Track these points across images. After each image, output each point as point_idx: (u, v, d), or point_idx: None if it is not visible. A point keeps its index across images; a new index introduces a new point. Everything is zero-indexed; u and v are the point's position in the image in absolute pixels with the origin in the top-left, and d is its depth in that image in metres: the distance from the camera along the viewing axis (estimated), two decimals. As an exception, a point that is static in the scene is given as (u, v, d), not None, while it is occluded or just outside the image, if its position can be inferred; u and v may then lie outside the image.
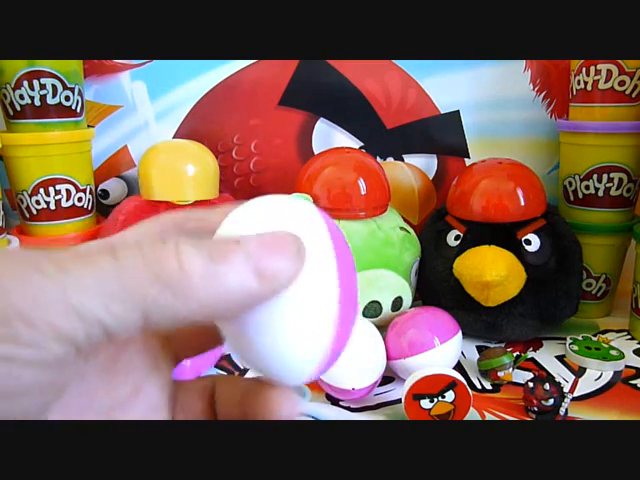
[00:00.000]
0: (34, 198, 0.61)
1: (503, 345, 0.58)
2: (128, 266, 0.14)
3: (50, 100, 0.59)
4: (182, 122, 0.72)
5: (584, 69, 0.59)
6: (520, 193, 0.57)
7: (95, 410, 0.15)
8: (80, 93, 0.62)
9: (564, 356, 0.55)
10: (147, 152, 0.62)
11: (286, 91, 0.70)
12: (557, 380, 0.45)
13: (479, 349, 0.57)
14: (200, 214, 0.19)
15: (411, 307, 0.58)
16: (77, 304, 0.13)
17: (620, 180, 0.59)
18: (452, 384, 0.42)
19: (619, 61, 0.56)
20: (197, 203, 0.61)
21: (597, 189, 0.60)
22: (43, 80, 0.58)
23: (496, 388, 0.50)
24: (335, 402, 0.48)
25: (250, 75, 0.70)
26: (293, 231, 0.15)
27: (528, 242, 0.56)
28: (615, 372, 0.52)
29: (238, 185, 0.73)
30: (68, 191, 0.62)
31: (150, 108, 0.71)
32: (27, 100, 0.58)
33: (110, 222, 0.62)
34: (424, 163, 0.72)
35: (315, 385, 0.49)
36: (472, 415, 0.43)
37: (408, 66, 0.69)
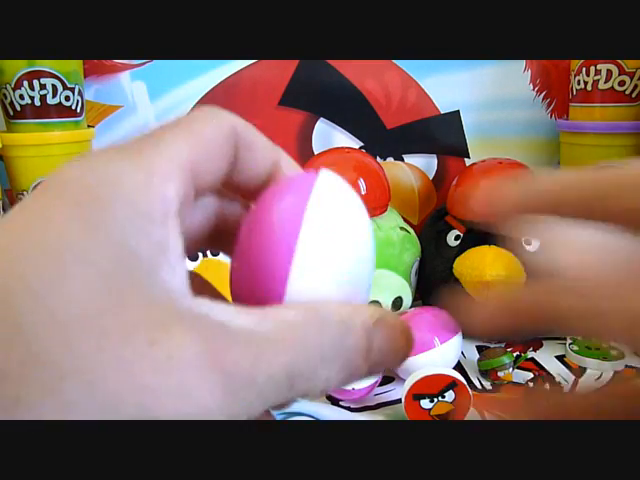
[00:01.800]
0: (34, 198, 0.61)
1: (503, 345, 0.57)
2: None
3: (50, 100, 0.59)
4: (182, 122, 0.72)
5: (584, 69, 0.59)
6: (520, 193, 0.56)
7: None
8: (80, 93, 0.62)
9: (564, 356, 0.55)
10: (147, 152, 0.62)
11: (286, 91, 0.70)
12: (557, 380, 0.45)
13: (479, 349, 0.57)
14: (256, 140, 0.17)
15: (411, 307, 0.58)
16: None
17: (620, 180, 0.59)
18: (452, 384, 0.42)
19: (619, 61, 0.56)
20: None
21: (597, 189, 0.60)
22: (43, 80, 0.58)
23: (496, 388, 0.50)
24: (335, 402, 0.48)
25: (250, 75, 0.70)
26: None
27: (528, 242, 0.56)
28: (615, 372, 0.52)
29: (238, 185, 0.73)
30: (68, 191, 0.62)
31: (150, 108, 0.71)
32: (27, 100, 0.58)
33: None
34: (424, 163, 0.72)
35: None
36: (472, 415, 0.43)
37: (408, 66, 0.69)
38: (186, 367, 0.12)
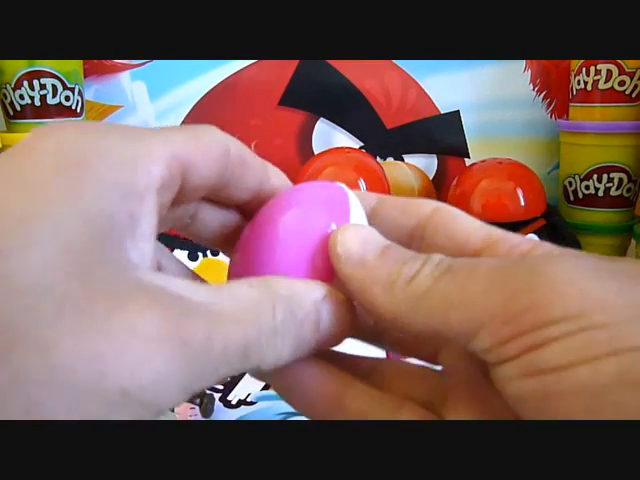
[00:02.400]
0: (34, 198, 0.61)
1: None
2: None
3: (50, 100, 0.59)
4: (182, 122, 0.72)
5: (584, 69, 0.59)
6: (520, 193, 0.57)
7: None
8: (80, 93, 0.62)
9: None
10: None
11: (286, 91, 0.70)
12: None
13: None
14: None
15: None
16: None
17: (620, 180, 0.59)
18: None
19: (619, 61, 0.56)
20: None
21: (597, 189, 0.60)
22: (43, 80, 0.58)
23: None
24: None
25: (250, 75, 0.70)
26: None
27: (528, 242, 0.56)
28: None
29: (238, 185, 0.73)
30: (68, 191, 0.62)
31: (150, 108, 0.71)
32: (27, 100, 0.58)
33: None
34: (424, 163, 0.72)
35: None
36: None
37: (408, 66, 0.69)
38: (143, 336, 0.12)
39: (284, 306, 0.15)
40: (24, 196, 0.13)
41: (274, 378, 0.17)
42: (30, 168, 0.13)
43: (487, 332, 0.14)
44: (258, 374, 0.18)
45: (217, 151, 0.17)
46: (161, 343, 0.12)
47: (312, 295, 0.16)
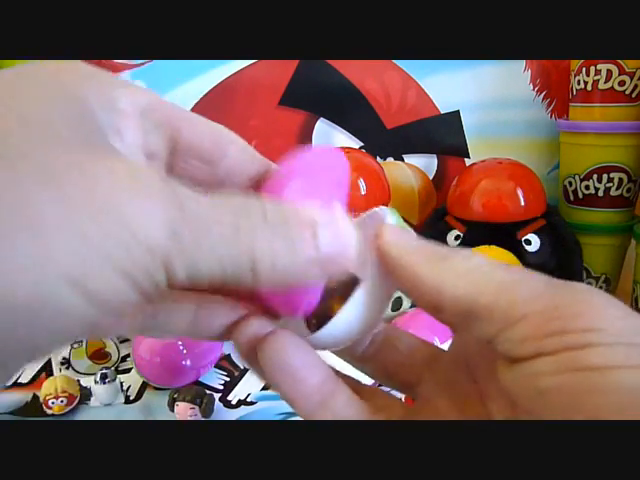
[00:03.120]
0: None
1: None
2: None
3: (50, 100, 0.59)
4: (182, 122, 0.72)
5: (584, 69, 0.59)
6: (520, 193, 0.57)
7: None
8: (80, 93, 0.62)
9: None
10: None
11: (286, 91, 0.70)
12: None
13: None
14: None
15: (411, 307, 0.58)
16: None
17: (620, 180, 0.59)
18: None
19: (619, 61, 0.56)
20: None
21: (597, 189, 0.60)
22: (43, 80, 0.58)
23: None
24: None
25: (250, 75, 0.70)
26: None
27: (528, 242, 0.56)
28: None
29: (238, 185, 0.73)
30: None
31: (150, 108, 0.71)
32: (27, 100, 0.58)
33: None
34: (424, 163, 0.72)
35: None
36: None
37: (408, 66, 0.69)
38: (146, 185, 0.13)
39: (276, 212, 0.15)
40: (43, 85, 0.15)
41: (268, 360, 0.17)
42: (40, 70, 0.15)
43: (528, 323, 0.14)
44: (258, 363, 0.17)
45: (205, 121, 0.18)
46: (157, 193, 0.13)
47: (308, 211, 0.16)
